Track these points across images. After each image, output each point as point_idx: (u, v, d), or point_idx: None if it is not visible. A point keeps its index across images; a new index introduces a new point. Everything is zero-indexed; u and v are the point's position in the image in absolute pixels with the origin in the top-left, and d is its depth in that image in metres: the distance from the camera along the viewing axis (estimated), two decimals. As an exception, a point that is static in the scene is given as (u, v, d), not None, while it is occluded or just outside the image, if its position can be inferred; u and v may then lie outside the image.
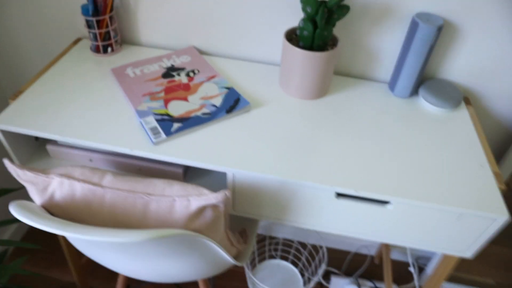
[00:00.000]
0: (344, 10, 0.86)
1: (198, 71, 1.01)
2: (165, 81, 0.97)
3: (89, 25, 1.03)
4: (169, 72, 1.00)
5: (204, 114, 0.88)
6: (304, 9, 0.85)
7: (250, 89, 0.98)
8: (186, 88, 0.95)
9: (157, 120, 0.86)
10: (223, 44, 1.07)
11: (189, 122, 0.86)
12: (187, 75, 1.00)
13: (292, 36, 0.95)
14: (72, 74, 0.99)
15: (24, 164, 0.96)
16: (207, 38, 1.07)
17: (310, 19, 0.86)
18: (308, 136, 0.85)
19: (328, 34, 0.89)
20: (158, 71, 1.00)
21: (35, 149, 0.96)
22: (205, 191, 0.68)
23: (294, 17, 0.98)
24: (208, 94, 0.94)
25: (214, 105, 0.91)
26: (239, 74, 1.02)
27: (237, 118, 0.89)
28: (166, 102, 0.91)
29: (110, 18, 1.02)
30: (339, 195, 0.78)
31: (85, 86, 0.95)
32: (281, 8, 0.97)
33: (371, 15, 0.95)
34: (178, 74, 1.00)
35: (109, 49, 1.07)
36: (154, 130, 0.83)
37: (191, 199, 0.67)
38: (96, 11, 1.01)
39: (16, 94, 0.93)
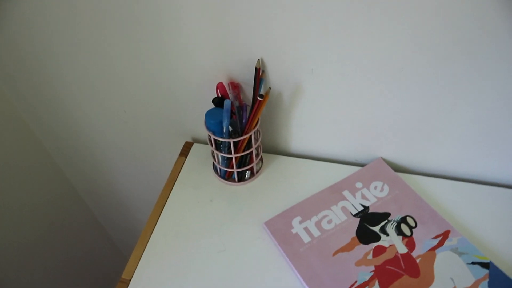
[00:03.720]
0: None
1: (414, 220, 0.59)
2: (368, 250, 0.56)
3: (217, 146, 0.60)
4: (367, 227, 0.58)
5: None
6: None
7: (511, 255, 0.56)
8: (412, 268, 0.54)
9: None
10: (437, 157, 0.63)
11: None
12: (399, 231, 0.58)
13: None
14: (195, 237, 0.58)
15: None
16: (409, 146, 0.63)
17: None
18: None
19: None
20: (346, 225, 0.58)
21: None
22: None
23: None
24: (458, 285, 0.52)
25: (482, 317, 0.49)
26: (477, 215, 0.59)
27: None
28: (392, 311, 0.50)
29: (254, 133, 0.59)
30: None
31: (223, 265, 0.55)
32: None
33: None
34: (385, 232, 0.58)
35: (247, 174, 0.65)
36: None
37: None
38: (234, 125, 0.58)
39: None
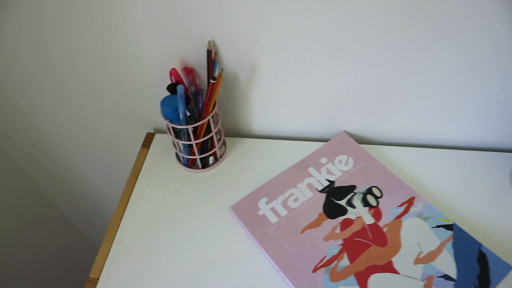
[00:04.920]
0: None
1: (379, 190, 0.59)
2: (335, 224, 0.56)
3: (176, 134, 0.59)
4: (333, 202, 0.58)
5: (442, 305, 0.49)
6: None
7: (474, 215, 0.57)
8: (380, 238, 0.54)
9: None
10: (399, 126, 0.64)
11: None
12: (365, 203, 0.58)
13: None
14: (163, 228, 0.57)
15: None
16: (371, 117, 0.63)
17: None
18: None
19: None
20: (313, 201, 0.58)
21: None
22: None
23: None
24: (424, 248, 0.53)
25: (447, 277, 0.50)
26: (439, 179, 0.60)
27: (495, 296, 0.50)
28: (362, 280, 0.51)
29: (212, 116, 0.58)
30: None
31: (193, 254, 0.54)
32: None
33: None
34: (351, 205, 0.58)
35: (211, 159, 0.64)
36: None
37: None
38: (191, 111, 0.57)
39: (86, 289, 0.52)
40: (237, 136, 0.69)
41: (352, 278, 0.51)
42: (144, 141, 0.68)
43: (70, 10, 0.54)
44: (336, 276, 0.51)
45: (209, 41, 0.54)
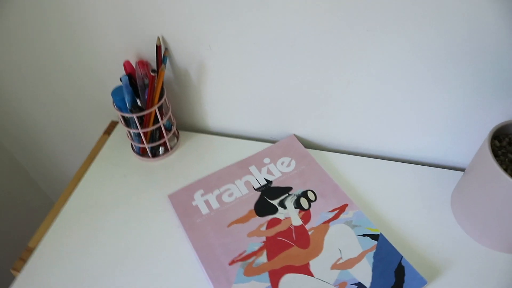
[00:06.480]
0: None
1: (314, 194, 0.60)
2: (263, 222, 0.57)
3: (126, 122, 0.63)
4: (266, 201, 0.59)
5: (348, 311, 0.48)
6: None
7: (404, 228, 0.56)
8: (303, 240, 0.55)
9: (267, 332, 0.47)
10: (343, 134, 0.64)
11: (327, 338, 0.46)
12: (298, 205, 0.59)
13: (497, 146, 0.51)
14: (105, 210, 0.60)
15: None
16: (318, 123, 0.64)
17: None
18: None
19: None
20: (247, 198, 0.60)
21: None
22: None
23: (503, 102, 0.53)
24: (345, 255, 0.53)
25: (361, 285, 0.50)
26: (378, 189, 0.60)
27: (407, 310, 0.49)
28: (275, 278, 0.51)
29: (159, 108, 0.61)
30: None
31: (126, 236, 0.57)
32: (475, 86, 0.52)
33: None
34: (283, 205, 0.59)
35: (161, 149, 0.67)
36: None
37: None
38: (137, 98, 0.60)
39: (23, 257, 0.56)
40: (193, 131, 0.71)
41: (265, 275, 0.51)
42: (107, 128, 0.72)
43: (49, 15, 0.60)
44: (250, 271, 0.52)
45: (158, 37, 0.58)
